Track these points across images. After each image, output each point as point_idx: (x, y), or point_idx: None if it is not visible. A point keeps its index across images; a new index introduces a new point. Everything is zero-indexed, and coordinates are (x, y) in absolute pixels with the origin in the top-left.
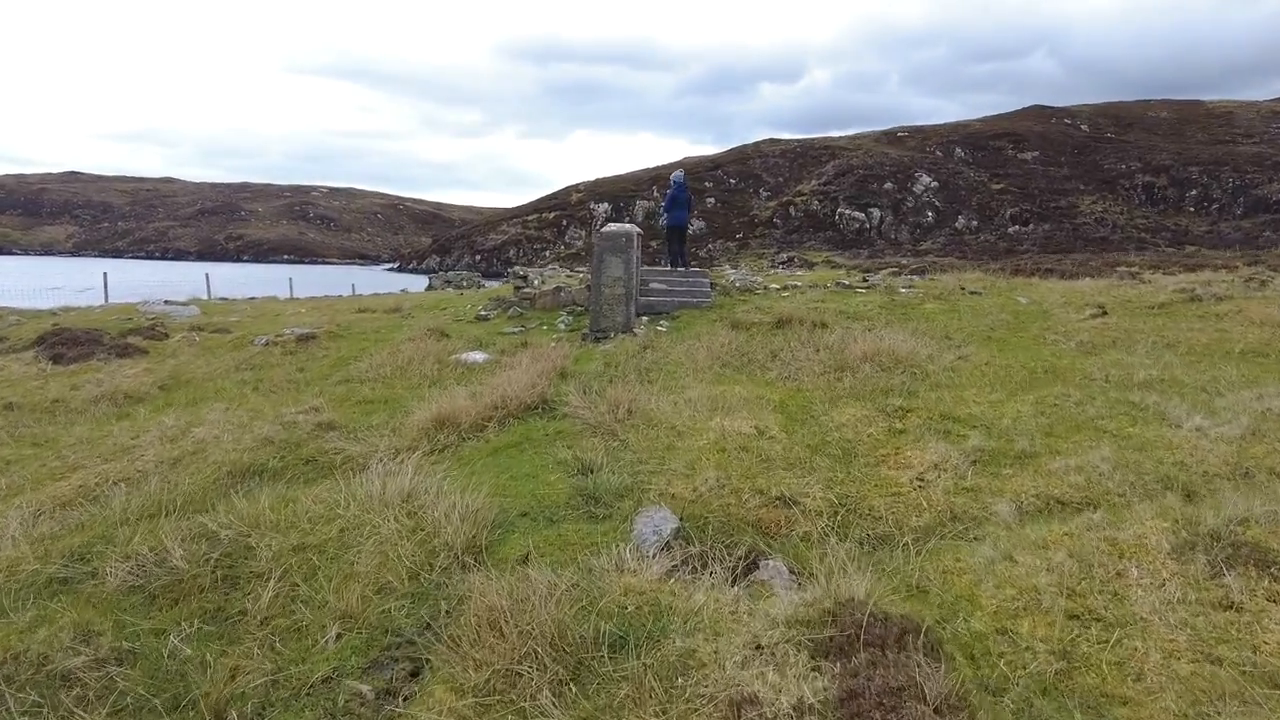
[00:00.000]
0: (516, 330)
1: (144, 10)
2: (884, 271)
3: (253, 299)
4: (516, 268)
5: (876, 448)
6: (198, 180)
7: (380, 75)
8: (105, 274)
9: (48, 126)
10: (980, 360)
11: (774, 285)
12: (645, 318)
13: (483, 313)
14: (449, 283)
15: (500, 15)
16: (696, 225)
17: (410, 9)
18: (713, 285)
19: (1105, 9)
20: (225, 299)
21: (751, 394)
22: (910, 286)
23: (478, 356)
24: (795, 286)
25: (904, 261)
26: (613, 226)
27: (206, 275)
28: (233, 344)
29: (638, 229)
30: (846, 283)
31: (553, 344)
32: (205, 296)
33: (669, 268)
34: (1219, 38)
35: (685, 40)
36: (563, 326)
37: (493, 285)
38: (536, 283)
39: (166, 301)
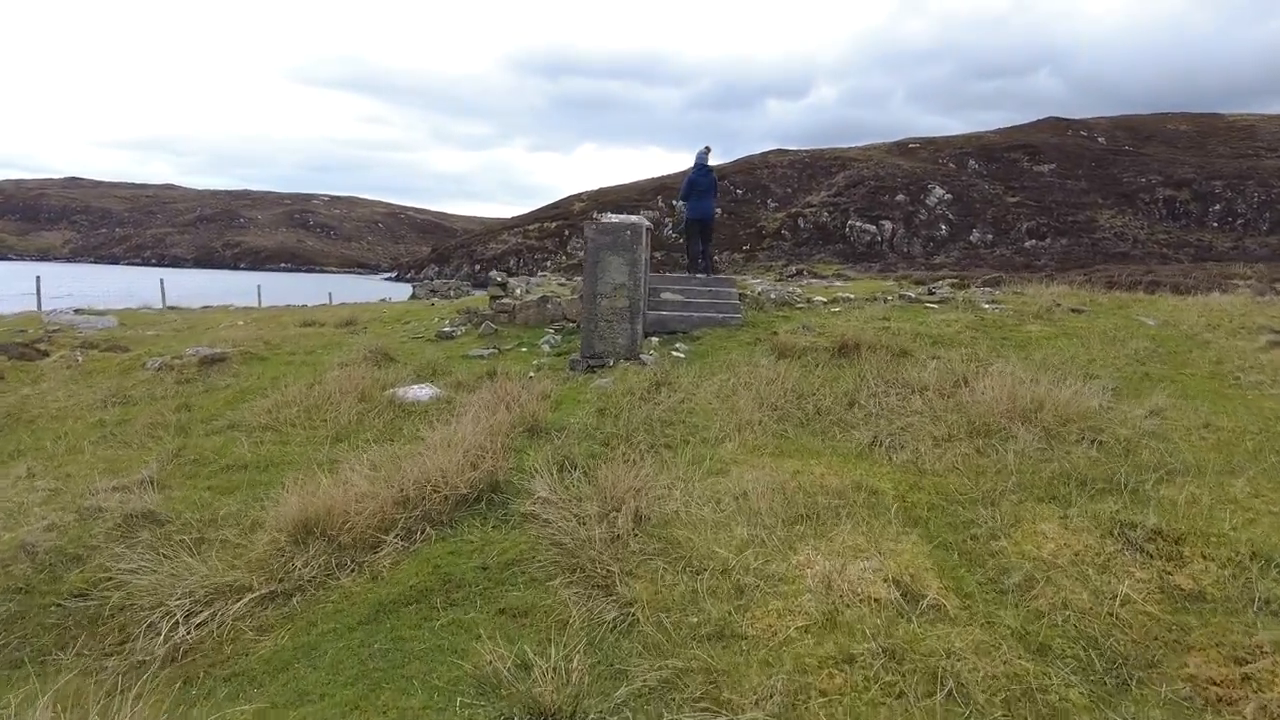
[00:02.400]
0: (486, 353)
1: (156, 19)
2: (945, 283)
3: (208, 307)
4: (494, 273)
5: (1171, 646)
6: (200, 188)
7: (392, 87)
8: (39, 277)
9: (59, 134)
10: (1192, 420)
11: (818, 298)
12: (655, 338)
13: (447, 329)
14: (434, 292)
15: (512, 29)
16: None
17: (423, 22)
18: (742, 297)
19: (1110, 28)
20: (173, 308)
21: (845, 479)
22: (994, 302)
23: (421, 393)
24: (847, 300)
25: (917, 274)
26: (614, 217)
27: (161, 281)
28: (122, 367)
29: (647, 222)
30: (911, 295)
31: (530, 374)
32: (158, 304)
33: (686, 274)
34: (1222, 58)
35: (694, 56)
36: (547, 348)
37: (481, 295)
38: (519, 292)
39: (78, 310)
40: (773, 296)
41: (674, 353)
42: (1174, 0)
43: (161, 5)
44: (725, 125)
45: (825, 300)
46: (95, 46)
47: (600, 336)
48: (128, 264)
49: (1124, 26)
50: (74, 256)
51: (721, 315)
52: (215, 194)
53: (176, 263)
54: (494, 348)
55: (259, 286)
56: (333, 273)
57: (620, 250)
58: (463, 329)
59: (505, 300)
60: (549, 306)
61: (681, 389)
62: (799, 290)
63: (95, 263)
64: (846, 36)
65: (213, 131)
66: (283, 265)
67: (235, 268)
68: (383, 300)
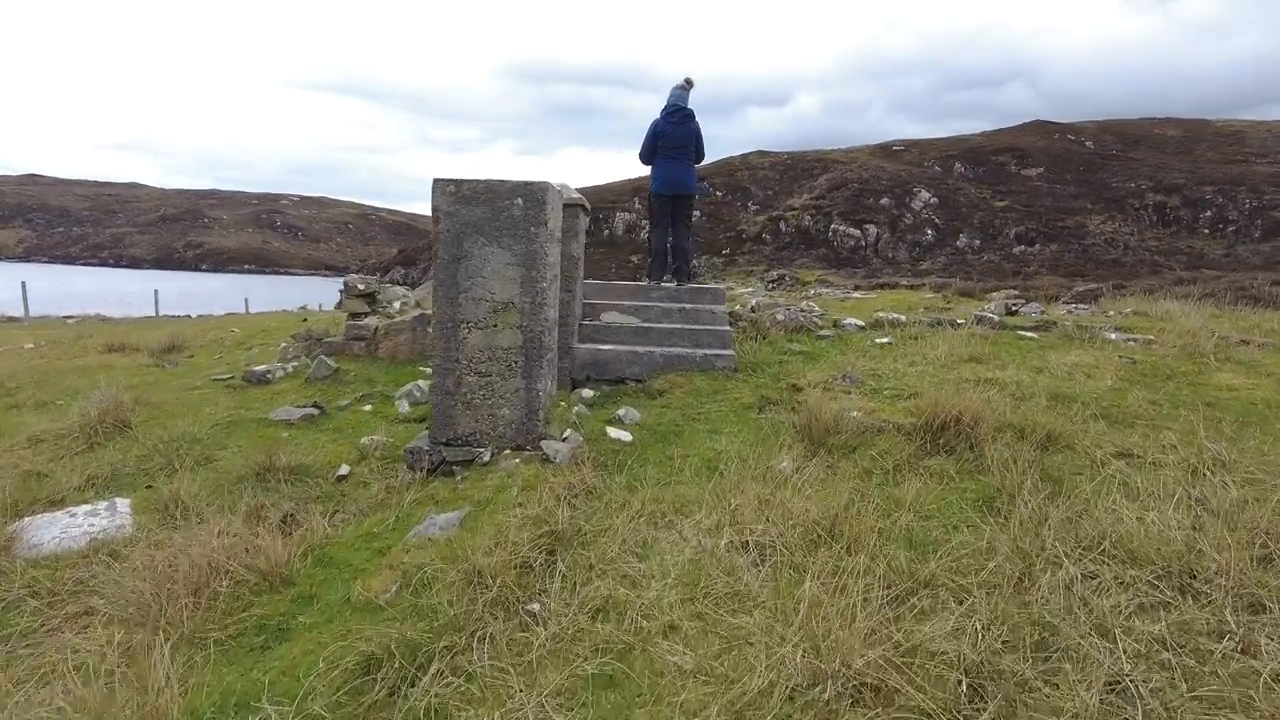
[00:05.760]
0: (298, 415)
1: (152, 25)
2: (1002, 293)
3: (69, 318)
4: (353, 277)
5: None
6: (168, 187)
7: (382, 93)
8: None
9: (51, 137)
10: None
11: (850, 320)
12: (588, 392)
13: (261, 368)
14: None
15: (503, 38)
16: None
17: (416, 31)
18: (733, 319)
19: (1081, 44)
20: (12, 319)
21: None
22: (1121, 330)
23: (77, 530)
24: (894, 322)
25: (960, 284)
26: (496, 179)
27: (23, 284)
28: None
29: (572, 191)
30: (993, 316)
31: (341, 470)
32: (18, 312)
33: (647, 282)
34: (1190, 74)
35: (679, 67)
36: (406, 406)
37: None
38: (397, 306)
39: None
40: (780, 318)
41: (613, 430)
42: (1144, 19)
43: (156, 11)
44: (706, 131)
45: (861, 324)
46: (89, 49)
47: (467, 404)
48: (83, 264)
49: (1096, 43)
50: (27, 256)
51: (701, 352)
52: (181, 193)
53: (135, 263)
54: (316, 405)
55: (156, 291)
56: (297, 275)
57: (504, 236)
58: (291, 366)
59: (367, 321)
60: (430, 332)
61: (610, 556)
62: (816, 307)
63: (49, 262)
64: (828, 49)
65: (202, 135)
66: (246, 267)
67: (196, 269)
68: (303, 308)
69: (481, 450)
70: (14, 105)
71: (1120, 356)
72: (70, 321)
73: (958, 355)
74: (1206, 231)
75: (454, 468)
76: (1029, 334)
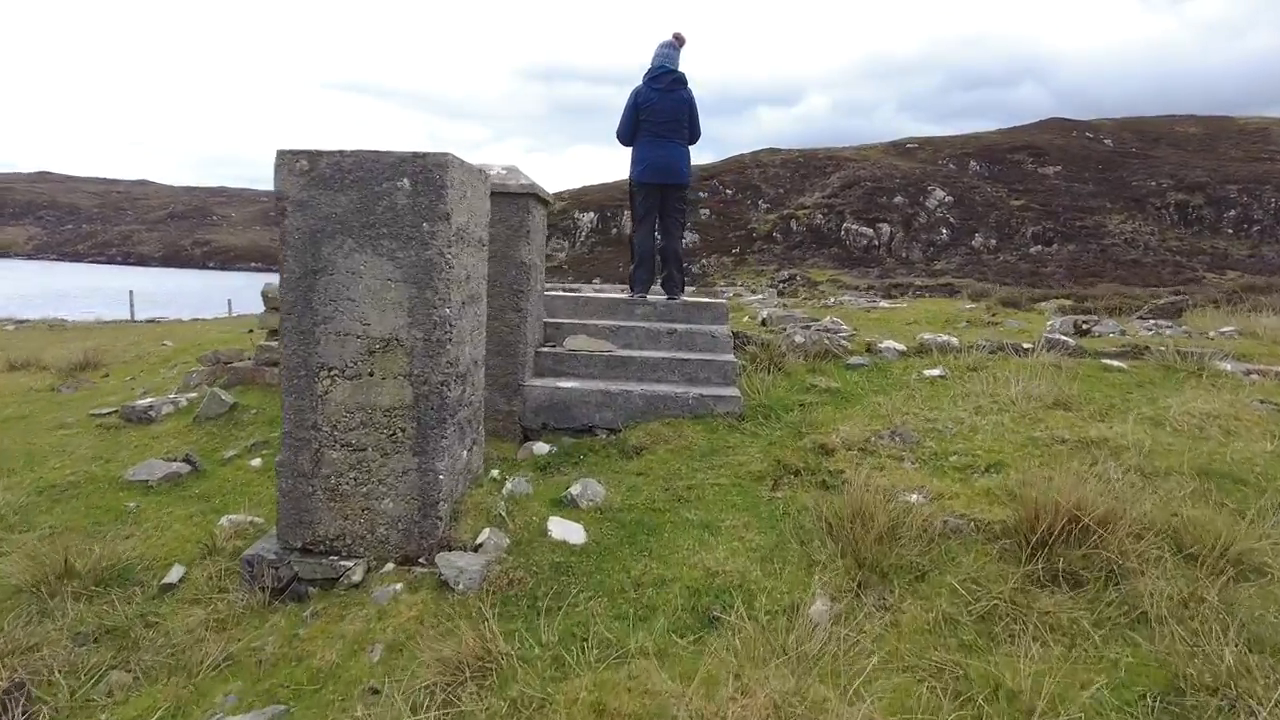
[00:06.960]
0: (162, 475)
1: (162, 22)
2: (1053, 303)
3: (20, 323)
4: (273, 283)
5: None
6: (175, 184)
7: (397, 94)
8: None
9: (62, 135)
10: None
11: (886, 343)
12: (541, 448)
13: (146, 403)
14: None
15: (516, 42)
16: (687, 238)
17: (433, 35)
18: (740, 341)
19: (1092, 44)
20: None
21: None
22: (1238, 359)
23: None
24: (943, 346)
25: (1002, 293)
26: (371, 150)
27: None
28: None
29: (521, 170)
30: (1066, 340)
31: (171, 576)
32: None
33: (629, 295)
34: (1203, 74)
35: (685, 66)
36: None
37: None
38: None
39: None
40: (798, 340)
41: (558, 524)
42: (1156, 19)
43: (166, 8)
44: (715, 130)
45: (902, 348)
46: (99, 48)
47: (331, 492)
48: (92, 262)
49: (1107, 44)
50: (37, 253)
51: (696, 391)
52: (190, 191)
53: (143, 261)
54: (187, 459)
55: (131, 292)
56: None
57: (383, 237)
58: (186, 398)
59: None
60: None
61: None
62: (843, 325)
63: (58, 260)
64: (837, 50)
65: (211, 133)
66: (253, 264)
67: (204, 267)
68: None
69: (350, 565)
70: (26, 103)
71: (1261, 401)
72: (9, 328)
73: (1038, 398)
74: (1230, 231)
75: (309, 588)
76: (1117, 363)
